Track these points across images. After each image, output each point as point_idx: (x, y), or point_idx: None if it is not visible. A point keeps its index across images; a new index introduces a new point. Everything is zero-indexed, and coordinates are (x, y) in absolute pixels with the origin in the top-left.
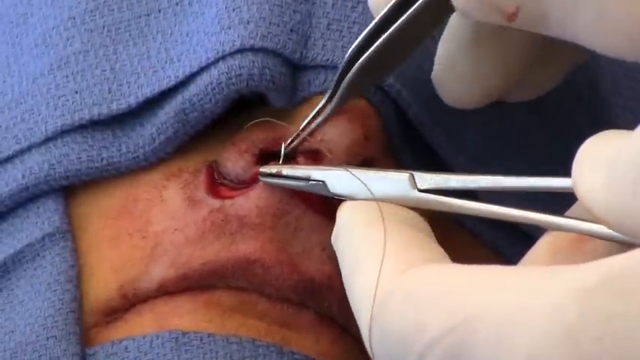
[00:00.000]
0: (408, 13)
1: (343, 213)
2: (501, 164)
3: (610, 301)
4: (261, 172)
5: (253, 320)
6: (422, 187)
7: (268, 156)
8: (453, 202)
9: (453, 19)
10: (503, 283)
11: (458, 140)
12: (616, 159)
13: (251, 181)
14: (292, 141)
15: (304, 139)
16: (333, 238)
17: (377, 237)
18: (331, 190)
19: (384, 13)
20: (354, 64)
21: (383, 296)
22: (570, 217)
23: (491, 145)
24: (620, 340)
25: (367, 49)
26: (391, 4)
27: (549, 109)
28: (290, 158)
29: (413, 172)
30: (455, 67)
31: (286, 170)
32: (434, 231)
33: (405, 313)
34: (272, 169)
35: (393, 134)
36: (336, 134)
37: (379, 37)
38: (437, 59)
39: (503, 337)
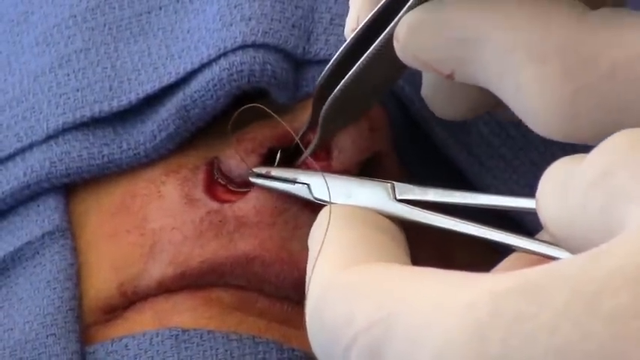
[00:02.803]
0: (369, 50)
1: (320, 214)
2: (504, 163)
3: (523, 303)
4: (255, 172)
5: (253, 318)
6: (400, 198)
7: (273, 155)
8: (428, 215)
9: None
10: (428, 283)
11: (460, 137)
12: (571, 177)
13: (249, 184)
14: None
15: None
16: (309, 238)
17: (334, 234)
18: (314, 195)
19: (349, 42)
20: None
21: (323, 289)
22: (536, 240)
23: (493, 143)
24: (526, 343)
25: (337, 76)
26: (355, 33)
27: None
28: (296, 157)
29: (394, 183)
30: (436, 85)
31: (275, 171)
32: (425, 233)
33: (338, 306)
34: (262, 170)
35: (397, 130)
36: (343, 130)
37: (347, 65)
38: (423, 77)
39: (418, 333)
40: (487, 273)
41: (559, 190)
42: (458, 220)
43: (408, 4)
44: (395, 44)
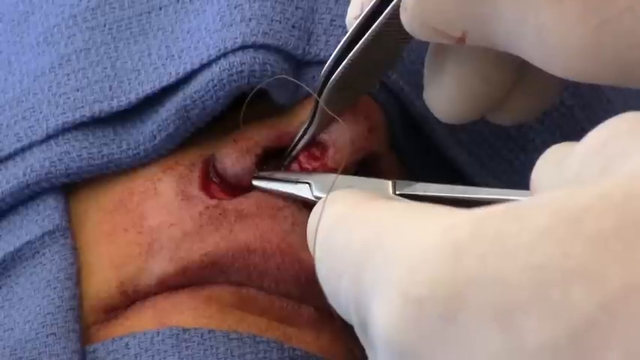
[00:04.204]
0: (371, 29)
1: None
2: (505, 163)
3: (504, 224)
4: (259, 174)
5: (253, 316)
6: (400, 193)
7: (269, 156)
8: None
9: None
10: (420, 210)
11: (460, 137)
12: (567, 155)
13: (248, 186)
14: (285, 158)
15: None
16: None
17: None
18: (314, 193)
19: (354, 29)
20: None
21: (330, 222)
22: None
23: (493, 143)
24: (503, 259)
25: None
26: (358, 21)
27: (551, 108)
28: (293, 158)
29: (396, 180)
30: (437, 86)
31: (278, 174)
32: None
33: (341, 234)
34: (265, 173)
35: (396, 130)
36: (340, 127)
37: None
38: (424, 79)
39: (395, 250)
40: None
41: (555, 168)
42: None
43: None
44: (402, 15)
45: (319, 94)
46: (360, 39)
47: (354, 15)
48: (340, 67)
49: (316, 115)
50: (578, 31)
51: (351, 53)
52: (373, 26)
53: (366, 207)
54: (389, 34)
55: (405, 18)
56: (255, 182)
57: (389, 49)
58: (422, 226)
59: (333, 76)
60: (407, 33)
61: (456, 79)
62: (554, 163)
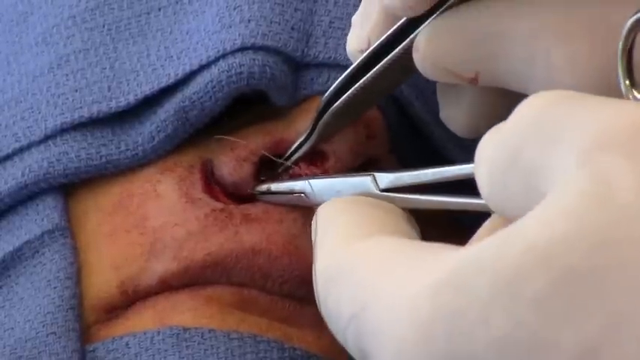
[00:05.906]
0: (379, 65)
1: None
2: None
3: (454, 298)
4: (256, 190)
5: (254, 317)
6: (382, 187)
7: (267, 163)
8: (410, 198)
9: None
10: (393, 271)
11: (460, 139)
12: (495, 156)
13: (248, 195)
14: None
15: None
16: (312, 221)
17: (337, 213)
18: (312, 200)
19: (361, 61)
20: (330, 106)
21: (323, 277)
22: None
23: None
24: (467, 338)
25: (343, 93)
26: (366, 53)
27: None
28: (287, 168)
29: (374, 174)
30: (454, 107)
31: (274, 186)
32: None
33: (332, 296)
34: (262, 187)
35: (396, 133)
36: (340, 135)
37: (355, 82)
38: (439, 99)
39: (379, 332)
40: (444, 250)
41: (487, 164)
42: (439, 196)
43: (430, 19)
44: (414, 55)
45: (317, 120)
46: (364, 72)
47: (359, 48)
48: (342, 98)
49: (315, 131)
50: (590, 67)
51: (354, 87)
52: (379, 65)
53: (354, 253)
54: (394, 69)
55: (417, 58)
56: (260, 197)
57: (393, 82)
58: (398, 289)
59: (334, 106)
60: (413, 67)
61: (473, 98)
62: (487, 163)
